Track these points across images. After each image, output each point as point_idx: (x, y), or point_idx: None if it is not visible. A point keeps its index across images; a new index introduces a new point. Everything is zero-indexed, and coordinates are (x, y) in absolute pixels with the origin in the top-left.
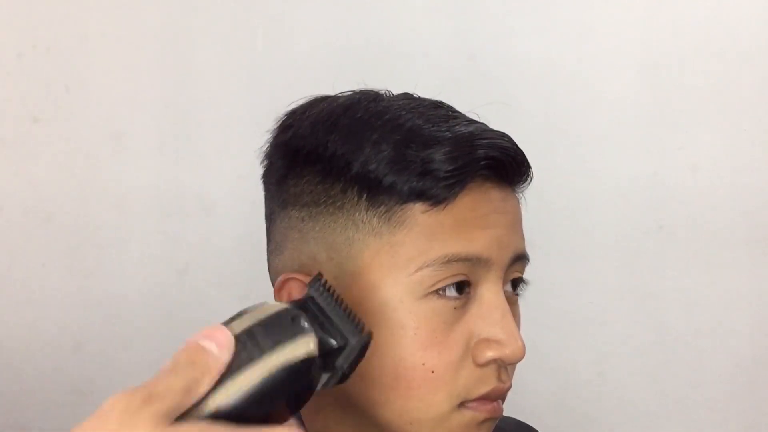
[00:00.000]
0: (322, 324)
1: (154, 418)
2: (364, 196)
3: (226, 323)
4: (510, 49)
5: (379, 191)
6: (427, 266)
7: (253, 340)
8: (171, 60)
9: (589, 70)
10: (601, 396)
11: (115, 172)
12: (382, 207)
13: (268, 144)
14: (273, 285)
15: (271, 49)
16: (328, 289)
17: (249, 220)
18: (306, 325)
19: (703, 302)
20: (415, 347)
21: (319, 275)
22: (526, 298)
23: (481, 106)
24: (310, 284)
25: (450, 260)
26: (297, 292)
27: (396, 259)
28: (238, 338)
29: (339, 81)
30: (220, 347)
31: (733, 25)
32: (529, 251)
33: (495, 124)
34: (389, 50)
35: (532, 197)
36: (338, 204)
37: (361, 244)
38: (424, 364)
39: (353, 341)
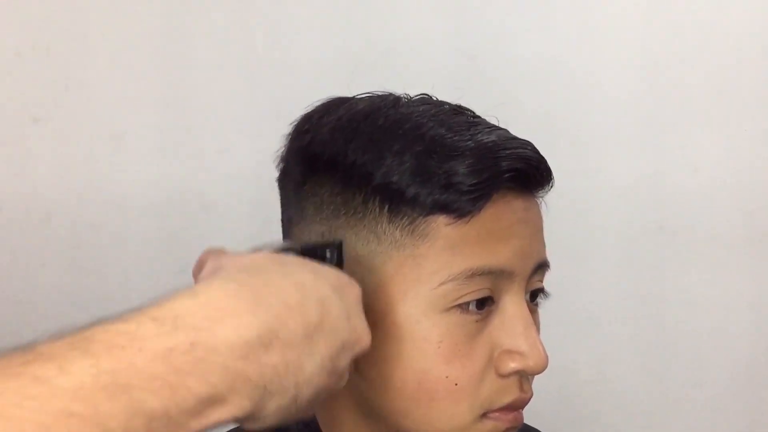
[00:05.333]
0: None
1: None
2: (386, 207)
3: None
4: (510, 49)
5: (402, 203)
6: (451, 280)
7: None
8: (171, 60)
9: (589, 70)
10: (601, 396)
11: (115, 172)
12: (405, 219)
13: (284, 147)
14: None
15: (271, 49)
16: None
17: (249, 220)
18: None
19: (703, 302)
20: (439, 360)
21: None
22: None
23: (487, 111)
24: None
25: (474, 274)
26: None
27: (419, 272)
28: None
29: (339, 81)
30: None
31: (733, 25)
32: None
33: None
34: (389, 50)
35: None
36: (359, 215)
37: (383, 257)
38: (447, 377)
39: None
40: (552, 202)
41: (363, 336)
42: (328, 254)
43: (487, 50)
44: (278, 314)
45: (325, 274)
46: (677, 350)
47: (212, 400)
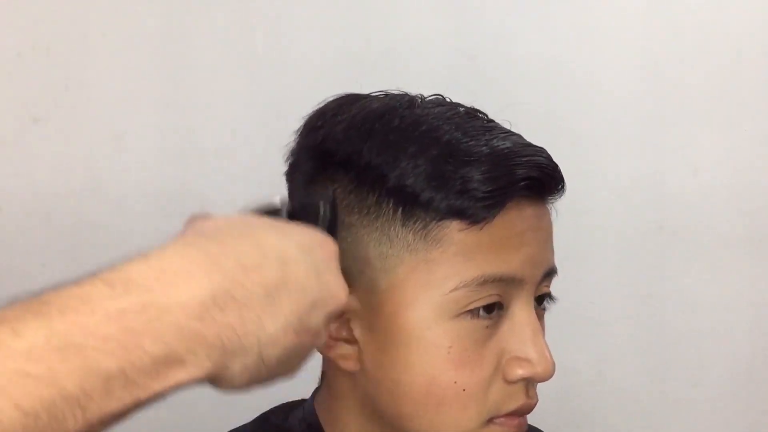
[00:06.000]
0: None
1: None
2: (400, 210)
3: None
4: (510, 49)
5: (416, 206)
6: (463, 286)
7: None
8: (171, 60)
9: (589, 70)
10: (601, 396)
11: (115, 172)
12: (419, 223)
13: (294, 142)
14: None
15: (271, 49)
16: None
17: None
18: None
19: (703, 302)
20: (448, 366)
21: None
22: None
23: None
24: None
25: (486, 281)
26: None
27: (431, 277)
28: None
29: (339, 81)
30: None
31: (733, 25)
32: None
33: None
34: (389, 50)
35: None
36: (372, 216)
37: (395, 260)
38: (456, 383)
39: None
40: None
41: (338, 294)
42: (321, 209)
43: (487, 50)
44: (233, 275)
45: (292, 233)
46: (677, 350)
47: (169, 361)
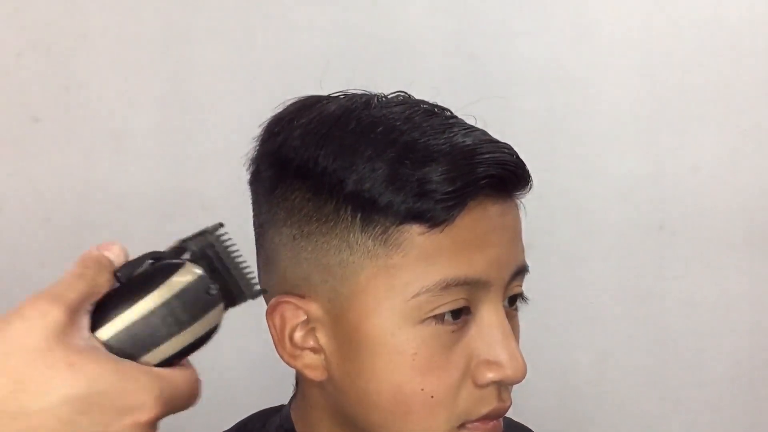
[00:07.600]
0: (221, 273)
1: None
2: (359, 216)
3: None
4: (510, 49)
5: (374, 211)
6: (425, 292)
7: (171, 314)
8: (171, 60)
9: (589, 70)
10: (601, 396)
11: (115, 172)
12: (378, 228)
13: (254, 150)
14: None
15: (270, 48)
16: (228, 239)
17: (249, 221)
18: (216, 293)
19: (703, 302)
20: (414, 373)
21: (220, 224)
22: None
23: (475, 102)
24: (210, 231)
25: (449, 285)
26: (291, 315)
27: (393, 283)
28: (156, 312)
29: (339, 81)
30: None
31: (733, 25)
32: (529, 252)
33: (495, 125)
34: (389, 50)
35: (531, 197)
36: (331, 223)
37: (356, 267)
38: (423, 390)
39: (248, 295)
40: (552, 202)
41: None
42: (212, 290)
43: (487, 50)
44: None
45: (72, 382)
46: (677, 350)
47: None
